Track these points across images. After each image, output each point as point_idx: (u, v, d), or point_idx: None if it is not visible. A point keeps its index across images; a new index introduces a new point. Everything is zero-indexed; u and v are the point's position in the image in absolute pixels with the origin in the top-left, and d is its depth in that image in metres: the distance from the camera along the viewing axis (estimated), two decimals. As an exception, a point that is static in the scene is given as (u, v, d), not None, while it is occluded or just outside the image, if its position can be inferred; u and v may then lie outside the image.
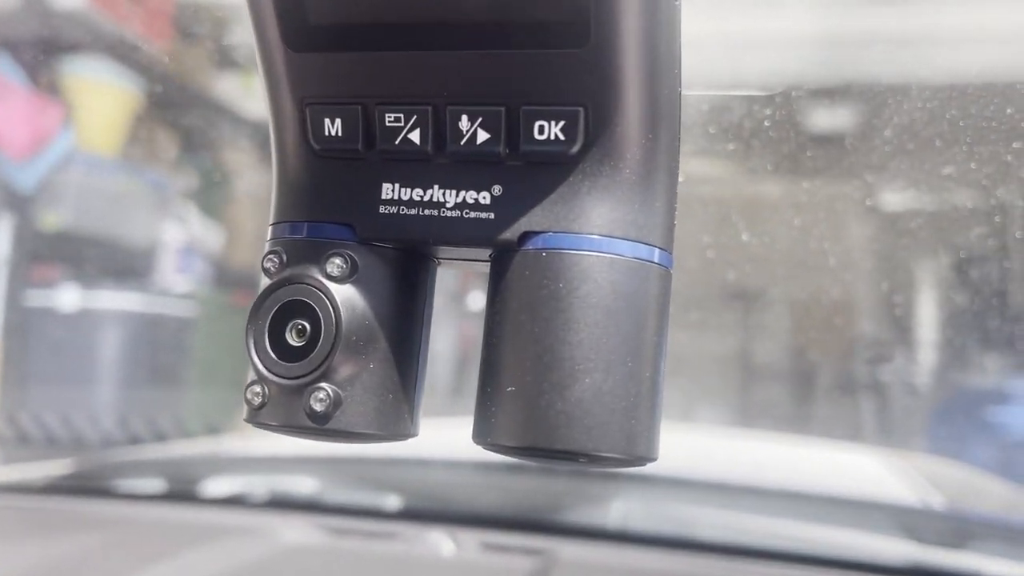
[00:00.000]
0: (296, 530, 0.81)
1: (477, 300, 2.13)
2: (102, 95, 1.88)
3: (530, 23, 0.29)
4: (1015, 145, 0.83)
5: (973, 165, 0.88)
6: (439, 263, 0.35)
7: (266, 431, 0.33)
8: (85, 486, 0.95)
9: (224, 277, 2.20)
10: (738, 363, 2.01)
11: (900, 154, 0.93)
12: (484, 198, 0.32)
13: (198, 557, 0.75)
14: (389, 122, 0.32)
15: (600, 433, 0.30)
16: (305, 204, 0.34)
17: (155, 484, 0.94)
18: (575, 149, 0.30)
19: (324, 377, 0.31)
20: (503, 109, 0.30)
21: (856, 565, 0.74)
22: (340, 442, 0.33)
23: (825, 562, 0.74)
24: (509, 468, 0.92)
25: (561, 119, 0.30)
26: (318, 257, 0.32)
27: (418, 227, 0.32)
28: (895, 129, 0.88)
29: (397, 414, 0.33)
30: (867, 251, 1.31)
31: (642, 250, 0.31)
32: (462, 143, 0.31)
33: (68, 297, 1.85)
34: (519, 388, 0.30)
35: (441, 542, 0.77)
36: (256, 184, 2.16)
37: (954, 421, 1.63)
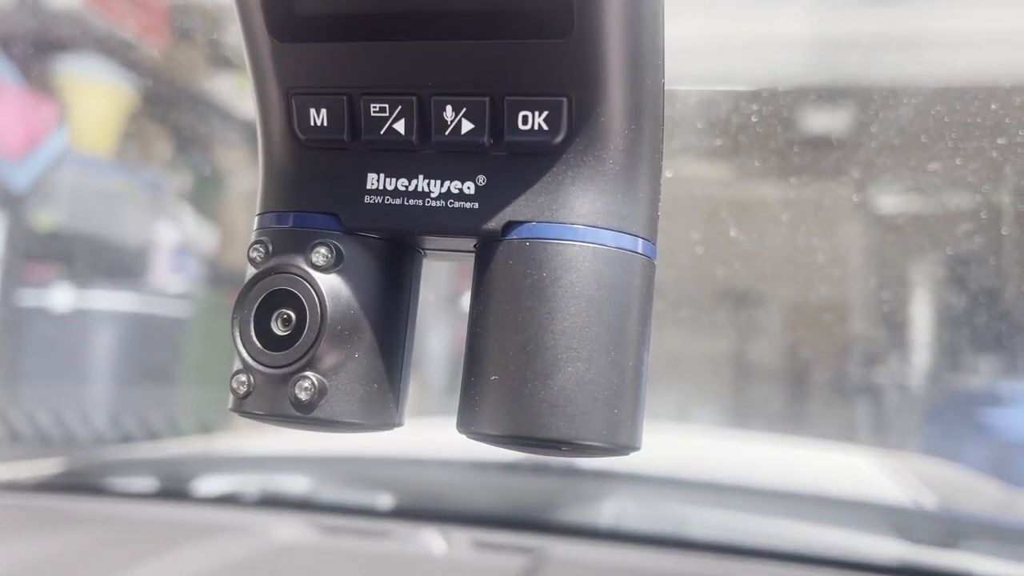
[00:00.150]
0: (288, 529, 0.81)
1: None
2: (96, 94, 1.87)
3: (514, 13, 0.30)
4: (999, 141, 0.84)
5: (959, 161, 0.88)
6: (425, 254, 0.35)
7: (251, 420, 0.33)
8: (77, 484, 0.95)
9: (218, 277, 2.20)
10: (731, 362, 2.01)
11: (887, 150, 0.93)
12: (468, 188, 0.32)
13: (190, 555, 0.75)
14: (374, 112, 0.32)
15: (583, 422, 0.30)
16: (291, 194, 0.34)
17: (147, 483, 0.94)
18: (559, 139, 0.31)
19: (309, 366, 0.32)
20: (487, 99, 0.31)
21: (849, 564, 0.74)
22: (325, 431, 0.33)
23: (818, 561, 0.74)
24: (501, 467, 0.92)
25: (545, 109, 0.30)
26: (303, 247, 0.32)
27: (403, 217, 0.32)
28: (881, 125, 0.89)
29: (382, 403, 0.33)
30: (856, 247, 1.31)
31: (625, 240, 0.31)
32: (447, 133, 0.31)
33: (61, 296, 1.85)
34: (502, 377, 0.30)
35: (433, 540, 0.77)
36: (250, 184, 2.15)
37: (947, 422, 1.63)
